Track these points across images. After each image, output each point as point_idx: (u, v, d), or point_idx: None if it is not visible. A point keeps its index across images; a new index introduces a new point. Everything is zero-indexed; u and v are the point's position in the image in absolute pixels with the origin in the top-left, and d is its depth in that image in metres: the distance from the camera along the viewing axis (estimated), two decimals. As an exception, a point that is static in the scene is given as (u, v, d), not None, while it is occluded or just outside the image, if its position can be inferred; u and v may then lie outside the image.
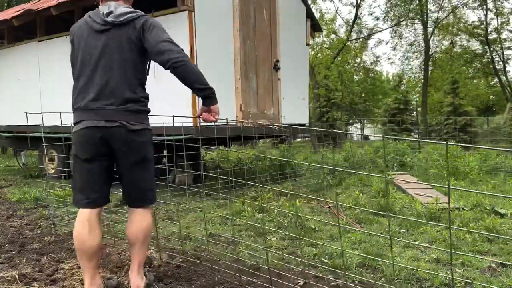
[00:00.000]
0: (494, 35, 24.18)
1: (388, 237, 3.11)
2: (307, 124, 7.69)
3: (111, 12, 2.09)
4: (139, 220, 2.19)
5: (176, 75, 2.08)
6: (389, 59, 46.26)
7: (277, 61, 6.56)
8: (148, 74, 2.24)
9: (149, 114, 2.22)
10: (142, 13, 2.14)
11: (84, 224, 2.10)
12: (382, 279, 2.48)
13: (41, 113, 3.27)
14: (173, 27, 5.05)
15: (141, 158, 2.12)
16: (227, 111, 5.43)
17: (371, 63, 27.89)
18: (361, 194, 4.62)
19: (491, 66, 25.23)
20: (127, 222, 2.24)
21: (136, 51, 2.09)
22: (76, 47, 2.18)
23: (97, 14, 2.14)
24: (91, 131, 2.05)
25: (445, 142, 1.45)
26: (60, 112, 3.12)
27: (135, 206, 2.21)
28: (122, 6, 2.14)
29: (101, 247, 2.18)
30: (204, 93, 2.15)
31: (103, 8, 2.14)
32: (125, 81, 2.07)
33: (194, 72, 2.09)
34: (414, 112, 17.60)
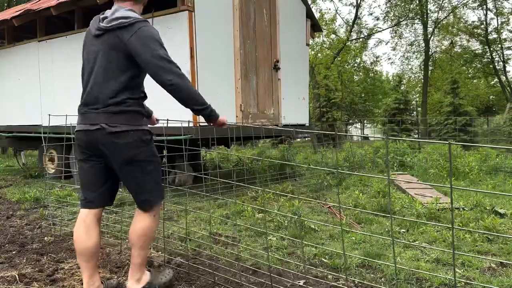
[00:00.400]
0: (494, 35, 24.18)
1: (388, 237, 3.11)
2: (307, 124, 7.69)
3: (106, 17, 2.06)
4: (135, 222, 2.17)
5: (170, 94, 2.04)
6: (389, 59, 46.22)
7: (277, 61, 6.56)
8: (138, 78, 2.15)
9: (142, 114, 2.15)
10: (139, 18, 2.02)
11: (81, 224, 2.12)
12: (382, 279, 2.48)
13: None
14: (173, 27, 5.06)
15: (128, 159, 2.05)
16: (227, 111, 5.44)
17: (371, 63, 27.88)
18: (361, 194, 4.63)
19: (491, 66, 25.22)
20: None
21: (124, 56, 2.01)
22: (82, 53, 2.19)
23: (96, 19, 2.12)
24: (80, 134, 2.09)
25: (447, 142, 1.44)
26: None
27: (138, 207, 2.20)
28: (123, 9, 2.06)
29: (98, 248, 2.15)
30: (202, 113, 2.14)
31: (107, 12, 2.10)
32: (108, 86, 2.02)
33: (189, 93, 2.04)
34: (414, 112, 17.62)
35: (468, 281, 2.37)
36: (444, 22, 24.45)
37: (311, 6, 8.95)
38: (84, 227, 2.10)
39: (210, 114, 2.15)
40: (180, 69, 2.02)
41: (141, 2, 2.20)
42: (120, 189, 2.27)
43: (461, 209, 4.06)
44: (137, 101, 2.11)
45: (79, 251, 2.10)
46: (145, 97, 2.18)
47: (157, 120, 2.35)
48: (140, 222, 2.15)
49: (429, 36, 23.77)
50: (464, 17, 26.85)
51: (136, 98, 2.10)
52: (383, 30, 26.04)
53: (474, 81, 29.54)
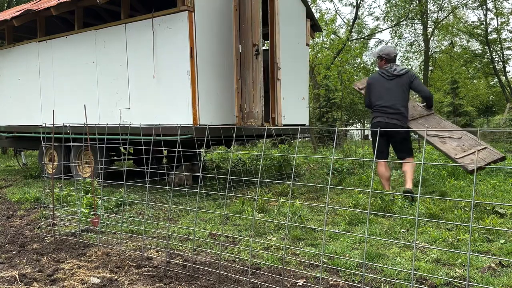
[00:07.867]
0: (494, 35, 24.18)
1: (388, 237, 3.12)
2: (307, 124, 7.68)
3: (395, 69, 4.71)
4: (408, 165, 4.53)
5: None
6: (389, 59, 46.01)
7: (254, 45, 6.03)
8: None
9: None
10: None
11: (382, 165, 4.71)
12: (382, 279, 2.48)
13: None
14: (173, 27, 5.06)
15: (403, 138, 4.71)
16: (227, 111, 5.43)
17: (371, 63, 27.86)
18: (361, 194, 4.62)
19: (491, 66, 25.23)
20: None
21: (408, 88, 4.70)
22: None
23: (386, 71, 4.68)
24: (380, 124, 4.56)
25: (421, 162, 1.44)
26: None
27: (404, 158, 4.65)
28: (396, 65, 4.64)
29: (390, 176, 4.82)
30: (431, 103, 5.12)
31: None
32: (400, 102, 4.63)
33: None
34: (414, 112, 17.52)
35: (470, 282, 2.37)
36: (444, 22, 24.47)
37: (311, 6, 8.95)
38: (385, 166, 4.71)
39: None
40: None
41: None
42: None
43: (461, 209, 4.05)
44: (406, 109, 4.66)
45: (384, 177, 4.73)
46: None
47: None
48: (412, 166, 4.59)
49: (429, 36, 23.79)
50: (464, 17, 26.88)
51: (407, 107, 4.70)
52: (383, 30, 26.05)
53: (474, 81, 29.55)
